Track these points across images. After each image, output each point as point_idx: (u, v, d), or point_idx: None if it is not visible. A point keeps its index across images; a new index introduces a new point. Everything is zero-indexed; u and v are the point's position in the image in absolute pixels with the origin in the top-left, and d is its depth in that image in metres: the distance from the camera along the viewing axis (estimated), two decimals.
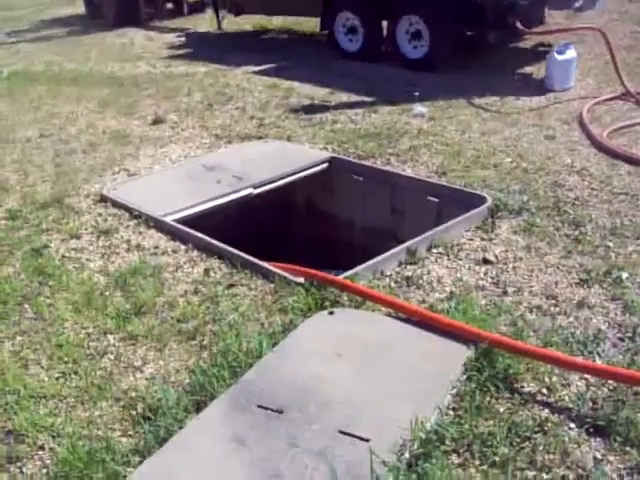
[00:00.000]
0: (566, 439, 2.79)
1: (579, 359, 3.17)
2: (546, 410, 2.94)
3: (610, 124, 6.09)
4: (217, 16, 11.68)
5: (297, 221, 6.11)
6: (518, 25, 7.59)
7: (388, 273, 4.00)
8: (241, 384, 3.12)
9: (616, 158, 5.41)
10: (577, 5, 7.92)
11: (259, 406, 2.99)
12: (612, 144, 5.64)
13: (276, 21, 11.71)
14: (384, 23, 8.82)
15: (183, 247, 4.45)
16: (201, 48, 10.64)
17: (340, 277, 3.82)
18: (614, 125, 6.05)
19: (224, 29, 11.79)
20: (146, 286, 4.02)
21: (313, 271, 3.90)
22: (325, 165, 5.62)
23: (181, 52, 10.55)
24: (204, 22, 12.79)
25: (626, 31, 8.80)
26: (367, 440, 2.76)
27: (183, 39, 11.64)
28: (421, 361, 3.21)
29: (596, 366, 3.14)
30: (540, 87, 7.21)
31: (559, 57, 7.12)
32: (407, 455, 2.69)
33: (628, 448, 2.73)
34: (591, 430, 2.83)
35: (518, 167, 5.29)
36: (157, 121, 7.03)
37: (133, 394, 3.20)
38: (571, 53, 7.19)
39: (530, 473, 2.65)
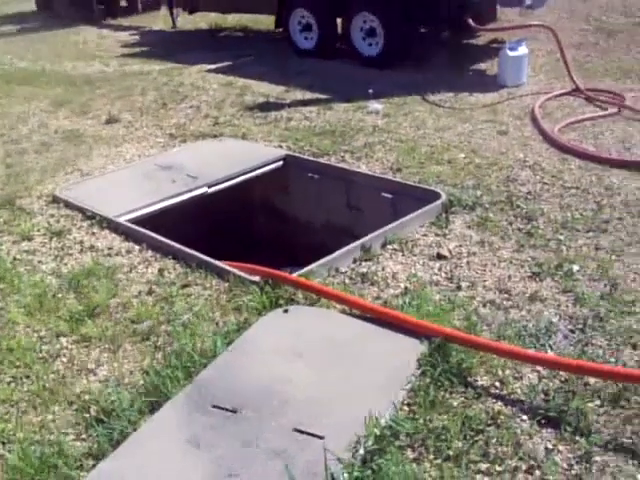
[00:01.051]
0: (518, 431, 2.82)
1: (531, 351, 3.22)
2: (499, 403, 2.97)
3: (561, 119, 6.18)
4: (171, 14, 11.61)
5: (253, 219, 6.10)
6: (471, 23, 7.66)
7: (343, 270, 4.01)
8: (196, 384, 3.10)
9: (567, 153, 5.50)
10: (528, 3, 8.01)
11: (214, 406, 2.98)
12: (563, 139, 5.72)
13: (231, 19, 11.66)
14: (339, 20, 8.84)
15: (137, 247, 4.41)
16: (156, 46, 10.55)
17: (294, 275, 3.81)
18: (565, 120, 6.14)
19: (179, 27, 11.71)
20: (100, 288, 3.97)
21: (268, 269, 3.89)
22: (280, 163, 5.62)
23: (135, 50, 10.46)
24: (158, 20, 12.68)
25: (575, 29, 8.93)
26: (322, 438, 2.76)
27: (137, 37, 11.54)
28: (376, 357, 3.22)
29: (547, 358, 3.18)
30: (493, 83, 7.29)
31: (511, 54, 7.20)
32: (362, 451, 2.70)
33: (578, 437, 2.77)
34: (543, 421, 2.87)
35: (472, 162, 5.34)
36: (111, 120, 6.95)
37: (86, 397, 3.16)
38: (523, 50, 7.28)
39: (483, 465, 2.67)
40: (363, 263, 4.06)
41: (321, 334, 3.42)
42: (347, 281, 3.90)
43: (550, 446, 2.76)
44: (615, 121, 6.12)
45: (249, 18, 11.32)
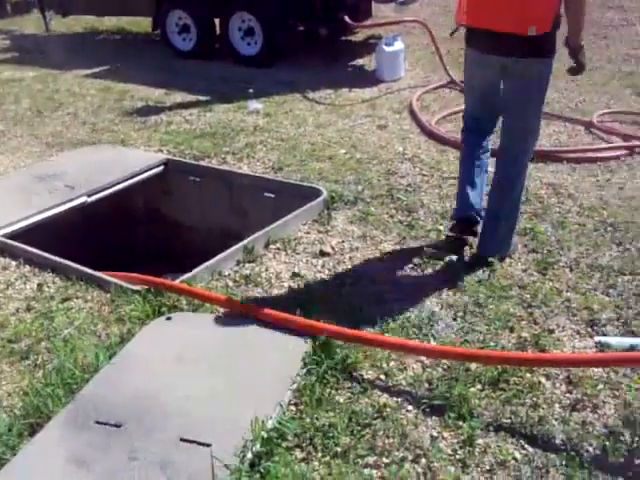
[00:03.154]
0: (404, 422, 2.86)
1: (413, 342, 3.27)
2: (385, 395, 3.01)
3: (438, 112, 6.33)
4: (44, 17, 11.16)
5: (137, 227, 5.96)
6: (347, 20, 7.73)
7: (226, 273, 3.97)
8: (77, 401, 3.00)
9: (445, 144, 5.63)
10: None
11: (97, 422, 2.89)
12: (441, 131, 5.86)
13: (109, 22, 11.36)
14: (217, 21, 8.76)
15: (14, 263, 4.23)
16: (28, 51, 10.12)
17: (176, 281, 3.75)
18: (442, 112, 6.29)
19: (53, 30, 11.31)
20: None
21: (149, 277, 3.81)
22: (161, 168, 5.51)
23: (6, 56, 10.02)
24: (30, 23, 12.20)
25: (448, 23, 9.11)
26: (209, 445, 2.72)
27: (8, 42, 11.05)
28: (261, 359, 3.20)
29: (431, 347, 3.24)
30: (372, 78, 7.39)
31: (387, 49, 7.32)
32: (250, 456, 2.67)
33: (461, 423, 2.85)
34: (427, 410, 2.92)
35: (352, 158, 5.39)
36: None
37: None
38: (399, 45, 7.41)
39: (371, 459, 2.70)
40: (246, 265, 4.04)
41: (205, 340, 3.37)
42: (231, 284, 3.87)
43: (435, 434, 2.82)
44: None
45: (127, 20, 11.06)
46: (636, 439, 2.77)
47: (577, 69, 3.82)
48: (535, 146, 4.02)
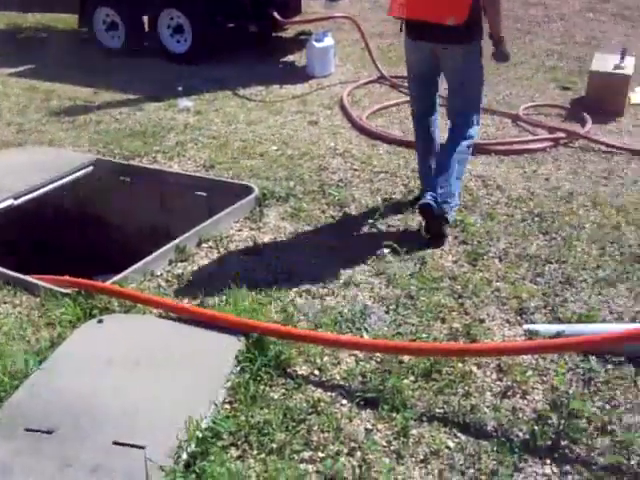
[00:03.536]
0: (339, 415, 2.89)
1: (346, 336, 3.30)
2: (319, 390, 3.03)
3: (369, 107, 6.37)
4: None
5: (67, 229, 5.84)
6: (276, 16, 7.72)
7: (159, 273, 3.93)
8: (4, 409, 2.93)
9: (376, 139, 5.68)
10: None
11: (27, 429, 2.82)
12: (371, 126, 5.91)
13: (32, 18, 11.07)
14: (146, 18, 8.64)
15: None
16: None
17: (107, 283, 3.70)
18: (372, 107, 6.34)
19: None
20: None
21: (79, 280, 3.74)
22: (90, 168, 5.40)
23: None
24: None
25: (377, 18, 9.21)
26: (143, 448, 2.69)
27: None
28: (195, 359, 3.18)
29: (363, 341, 3.27)
30: (302, 75, 7.39)
31: (317, 45, 7.33)
32: (184, 456, 2.66)
33: (394, 414, 2.88)
34: (361, 403, 2.95)
35: (284, 154, 5.39)
36: None
37: None
38: (329, 41, 7.43)
39: (306, 454, 2.72)
40: (179, 264, 4.01)
41: (138, 341, 3.33)
42: (163, 284, 3.83)
43: (369, 426, 2.85)
44: None
45: (52, 17, 10.80)
46: (562, 421, 2.85)
47: (501, 56, 4.30)
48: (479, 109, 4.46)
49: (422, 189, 4.47)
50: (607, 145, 5.71)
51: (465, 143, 4.31)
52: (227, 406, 2.92)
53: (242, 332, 3.23)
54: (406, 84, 6.88)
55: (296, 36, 8.88)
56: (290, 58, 8.09)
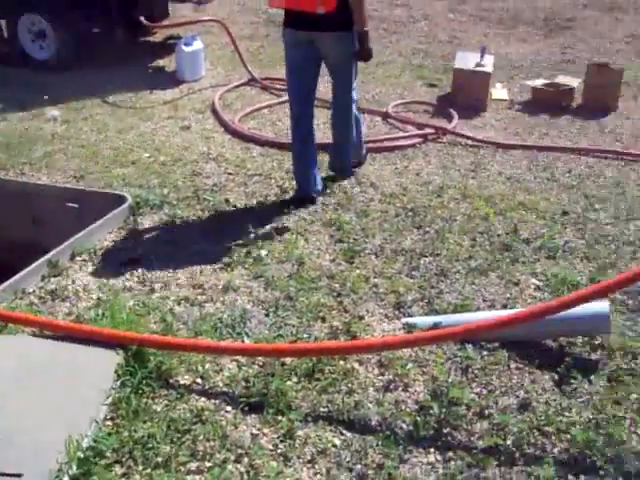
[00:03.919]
0: (224, 423, 2.86)
1: (227, 342, 3.27)
2: (202, 399, 2.99)
3: (241, 110, 6.36)
4: None
5: None
6: (143, 20, 7.57)
7: (31, 290, 3.77)
8: None
9: (249, 142, 5.67)
10: None
11: None
12: (243, 128, 5.89)
13: None
14: (3, 22, 8.26)
15: None
16: None
17: None
18: (244, 110, 6.32)
19: None
20: None
21: None
22: None
23: None
24: None
25: (247, 21, 9.23)
26: (20, 476, 2.57)
27: None
28: (72, 376, 3.07)
29: (244, 346, 3.26)
30: (173, 79, 7.28)
31: (187, 49, 7.25)
32: (66, 479, 2.57)
33: (280, 417, 2.88)
34: (246, 408, 2.94)
35: (156, 161, 5.30)
36: None
37: None
38: (198, 44, 7.35)
39: (193, 465, 2.68)
40: (52, 279, 3.86)
41: (11, 362, 3.18)
42: (36, 301, 3.68)
43: (255, 431, 2.84)
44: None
45: None
46: (443, 410, 2.93)
47: (364, 53, 4.56)
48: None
49: (298, 189, 4.74)
50: (473, 139, 5.92)
51: (350, 112, 4.89)
52: (109, 422, 2.84)
53: (120, 345, 3.15)
54: (277, 86, 6.98)
55: (165, 40, 8.74)
56: (159, 63, 7.95)
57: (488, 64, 6.75)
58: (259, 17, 9.56)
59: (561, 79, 7.04)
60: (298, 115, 4.72)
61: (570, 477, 2.67)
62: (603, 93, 6.72)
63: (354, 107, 4.94)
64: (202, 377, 3.09)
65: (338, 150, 5.09)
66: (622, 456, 2.75)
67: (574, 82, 6.90)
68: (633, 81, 7.44)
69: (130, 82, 7.18)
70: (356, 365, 3.21)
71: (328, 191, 4.85)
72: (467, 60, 6.82)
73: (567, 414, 2.94)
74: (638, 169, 5.53)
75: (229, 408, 2.94)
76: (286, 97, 6.56)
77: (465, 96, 6.61)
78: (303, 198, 4.70)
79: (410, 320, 3.53)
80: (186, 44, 7.30)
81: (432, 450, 2.78)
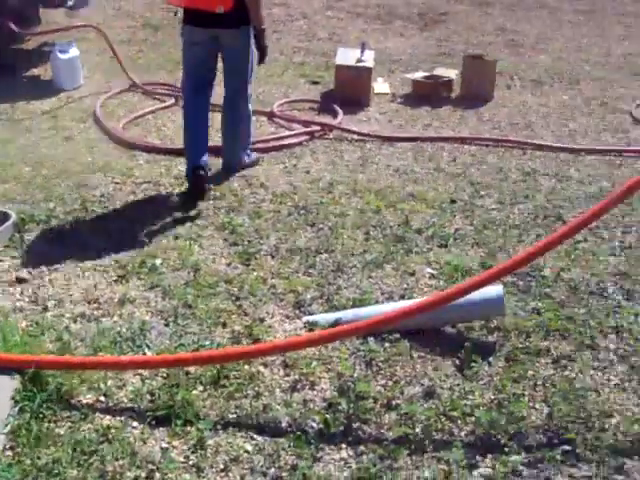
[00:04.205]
0: (131, 440, 2.79)
1: (128, 357, 3.20)
2: (107, 417, 2.90)
3: (124, 116, 6.21)
4: None
5: None
6: (13, 27, 7.26)
7: None
8: None
9: (134, 149, 5.55)
10: (70, 4, 7.86)
11: None
12: (128, 136, 5.77)
13: None
14: None
15: None
16: None
17: None
18: (128, 117, 6.18)
19: None
20: None
21: None
22: None
23: None
24: None
25: (123, 26, 9.02)
26: None
27: None
28: None
29: (146, 359, 3.19)
30: (50, 88, 7.01)
31: (62, 56, 7.00)
32: None
33: (189, 428, 2.84)
34: (153, 422, 2.88)
35: (39, 175, 5.09)
36: None
37: None
38: (74, 51, 7.11)
39: None
40: None
41: None
42: None
43: (165, 444, 2.79)
44: (174, 111, 6.32)
45: None
46: (351, 405, 2.97)
47: (260, 52, 4.83)
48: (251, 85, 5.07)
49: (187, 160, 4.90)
50: (359, 134, 6.01)
51: (242, 110, 5.05)
52: (9, 452, 2.70)
53: (16, 369, 3.02)
54: (159, 90, 6.87)
55: (39, 47, 8.42)
56: (34, 72, 7.63)
57: (369, 59, 6.86)
58: (136, 21, 9.36)
59: (439, 71, 7.25)
60: (192, 103, 4.94)
61: (478, 457, 2.76)
62: (479, 83, 6.97)
63: (249, 105, 5.09)
64: (105, 395, 3.01)
65: (230, 149, 5.17)
66: (524, 432, 2.87)
67: (452, 74, 7.12)
68: (506, 71, 7.74)
69: (5, 93, 6.84)
70: (261, 368, 3.20)
71: (218, 194, 4.81)
72: (348, 56, 6.91)
73: (470, 397, 3.04)
74: (517, 155, 5.76)
75: (136, 424, 2.87)
76: (169, 102, 6.58)
77: (348, 92, 6.70)
78: (195, 168, 4.73)
79: (311, 318, 3.55)
80: (61, 51, 7.06)
81: (344, 446, 2.81)
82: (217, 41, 4.74)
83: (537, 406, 3.02)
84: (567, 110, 6.88)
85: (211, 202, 4.70)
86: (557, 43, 9.22)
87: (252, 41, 4.80)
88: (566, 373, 3.23)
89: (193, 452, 2.75)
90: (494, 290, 3.45)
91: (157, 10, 9.67)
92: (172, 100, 6.59)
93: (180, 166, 5.17)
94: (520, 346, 3.38)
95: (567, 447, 2.80)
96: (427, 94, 6.95)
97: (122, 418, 2.90)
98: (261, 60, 4.91)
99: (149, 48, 8.31)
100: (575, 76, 7.89)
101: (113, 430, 2.82)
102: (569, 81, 7.75)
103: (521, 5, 10.91)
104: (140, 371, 3.14)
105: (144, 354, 3.25)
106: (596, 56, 8.74)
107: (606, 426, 2.92)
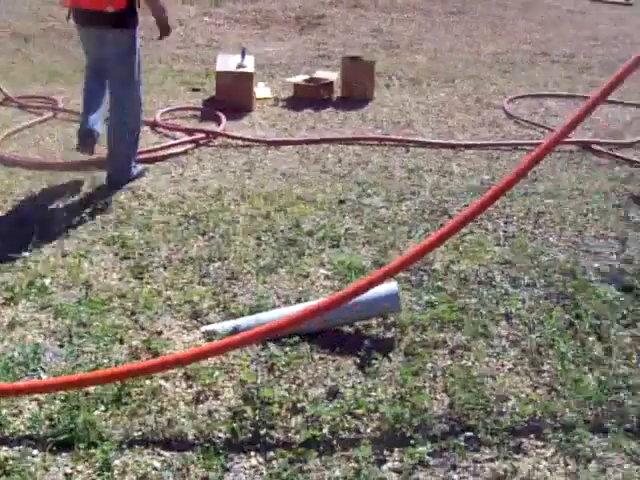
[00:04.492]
0: (32, 469, 2.65)
1: (23, 382, 3.08)
2: (4, 448, 2.74)
3: None
4: None
5: None
6: None
7: None
8: None
9: (14, 166, 5.33)
10: None
11: None
12: (6, 153, 5.53)
13: None
14: None
15: None
16: None
17: None
18: (3, 132, 5.93)
19: None
20: None
21: None
22: None
23: None
24: None
25: None
26: None
27: None
28: None
29: (42, 383, 3.08)
30: None
31: None
32: None
33: (92, 450, 2.73)
34: (54, 448, 2.76)
35: None
36: None
37: None
38: None
39: None
40: None
41: None
42: None
43: (69, 470, 2.68)
44: (53, 125, 6.14)
45: None
46: (257, 412, 2.96)
47: (163, 31, 4.92)
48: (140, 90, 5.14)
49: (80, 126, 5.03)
50: (244, 139, 6.01)
51: (126, 114, 5.01)
52: None
53: None
54: (35, 104, 6.65)
55: None
56: None
57: (249, 64, 6.87)
58: (4, 31, 9.01)
59: (320, 74, 7.35)
60: (92, 80, 5.09)
61: (386, 452, 2.81)
62: (359, 84, 7.10)
63: (142, 107, 5.17)
64: (0, 424, 2.88)
65: (116, 155, 5.07)
66: (428, 423, 2.95)
67: (332, 76, 7.23)
68: (384, 72, 7.92)
69: None
70: (162, 382, 3.14)
71: (104, 208, 4.70)
72: (228, 62, 6.90)
73: (374, 394, 3.09)
74: (400, 153, 5.90)
75: (36, 452, 2.75)
76: (47, 114, 6.37)
77: (230, 98, 6.68)
78: (85, 133, 4.91)
79: (209, 328, 3.52)
80: None
81: (253, 453, 2.79)
82: (101, 41, 4.80)
83: (438, 397, 3.11)
84: (445, 107, 7.12)
85: (98, 217, 4.58)
86: (431, 43, 9.53)
87: (136, 42, 4.86)
88: (463, 362, 3.33)
89: (99, 474, 2.66)
90: (389, 287, 3.52)
91: (25, 19, 9.34)
92: (50, 114, 6.39)
93: (64, 179, 5.03)
94: (417, 340, 3.46)
95: (469, 433, 2.90)
96: (309, 97, 7.03)
97: (20, 447, 2.76)
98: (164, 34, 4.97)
99: (21, 59, 8.03)
100: (450, 74, 8.18)
101: (11, 461, 2.68)
102: (445, 79, 8.02)
103: (394, 7, 11.20)
104: (37, 396, 3.02)
105: (39, 378, 3.14)
106: (468, 55, 9.09)
107: (503, 409, 3.03)
